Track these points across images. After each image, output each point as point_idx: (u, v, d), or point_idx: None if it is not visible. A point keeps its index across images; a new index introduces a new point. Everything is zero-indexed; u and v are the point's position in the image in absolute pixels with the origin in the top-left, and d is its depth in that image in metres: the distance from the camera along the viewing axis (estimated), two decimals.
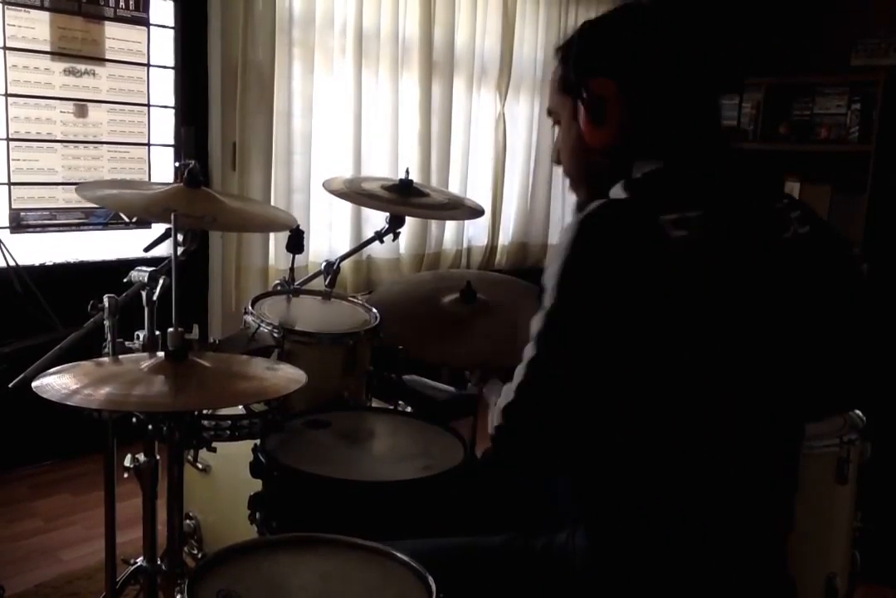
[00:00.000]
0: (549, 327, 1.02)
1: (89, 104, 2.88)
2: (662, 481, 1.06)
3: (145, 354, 1.48)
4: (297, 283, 2.04)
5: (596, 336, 1.01)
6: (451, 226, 4.03)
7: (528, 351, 1.04)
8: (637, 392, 1.03)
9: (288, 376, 1.33)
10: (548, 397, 1.03)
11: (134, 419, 1.40)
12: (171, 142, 3.12)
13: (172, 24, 3.05)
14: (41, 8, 2.72)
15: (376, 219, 3.23)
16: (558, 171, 5.07)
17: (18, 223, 2.77)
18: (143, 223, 2.99)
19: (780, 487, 1.14)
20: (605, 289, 1.00)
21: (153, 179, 3.07)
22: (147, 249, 1.67)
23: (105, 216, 2.97)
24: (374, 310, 1.94)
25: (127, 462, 1.54)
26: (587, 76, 1.13)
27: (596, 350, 1.01)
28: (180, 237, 1.52)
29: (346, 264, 2.97)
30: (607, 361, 1.01)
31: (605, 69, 1.12)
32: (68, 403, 1.14)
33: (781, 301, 1.09)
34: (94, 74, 2.87)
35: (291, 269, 2.02)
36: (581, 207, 1.24)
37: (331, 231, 3.54)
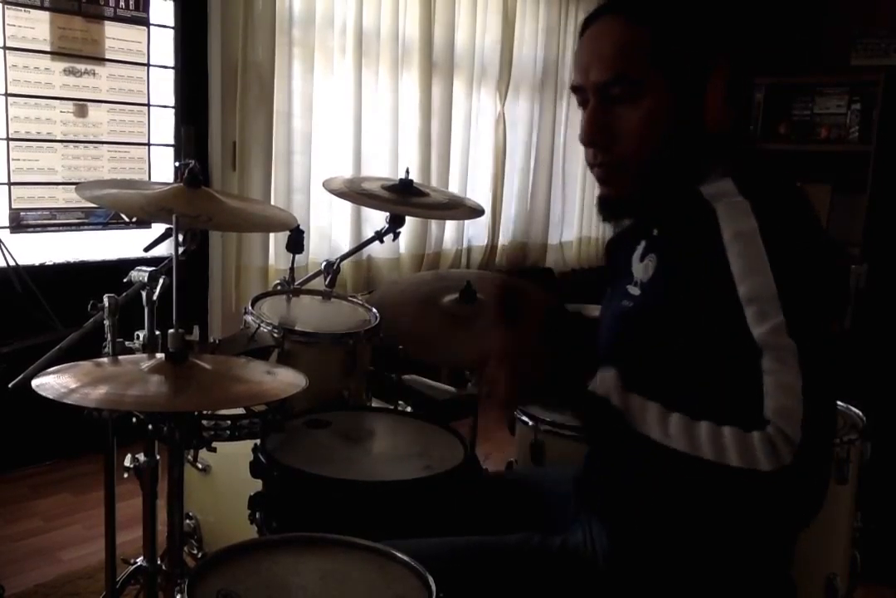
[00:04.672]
0: (808, 347, 0.93)
1: (89, 104, 2.88)
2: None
3: (145, 355, 1.48)
4: (297, 283, 2.04)
5: (830, 346, 0.99)
6: (451, 226, 4.03)
7: (783, 380, 0.92)
8: None
9: (287, 379, 1.33)
10: (830, 422, 0.95)
11: (134, 419, 1.40)
12: (171, 142, 3.12)
13: (172, 24, 3.05)
14: (41, 8, 2.72)
15: (376, 219, 3.23)
16: (558, 170, 5.01)
17: (18, 223, 2.77)
18: (144, 223, 2.99)
19: None
20: (826, 296, 1.00)
21: (153, 179, 3.07)
22: (147, 249, 1.66)
23: (105, 216, 2.97)
24: (374, 310, 1.94)
25: (127, 462, 1.54)
26: (710, 50, 1.03)
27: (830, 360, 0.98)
28: (180, 237, 1.52)
29: (346, 264, 2.97)
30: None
31: (721, 45, 1.04)
32: (66, 401, 1.14)
33: None
34: (94, 74, 2.87)
35: (291, 269, 2.02)
36: (609, 204, 1.13)
37: (331, 231, 3.54)
